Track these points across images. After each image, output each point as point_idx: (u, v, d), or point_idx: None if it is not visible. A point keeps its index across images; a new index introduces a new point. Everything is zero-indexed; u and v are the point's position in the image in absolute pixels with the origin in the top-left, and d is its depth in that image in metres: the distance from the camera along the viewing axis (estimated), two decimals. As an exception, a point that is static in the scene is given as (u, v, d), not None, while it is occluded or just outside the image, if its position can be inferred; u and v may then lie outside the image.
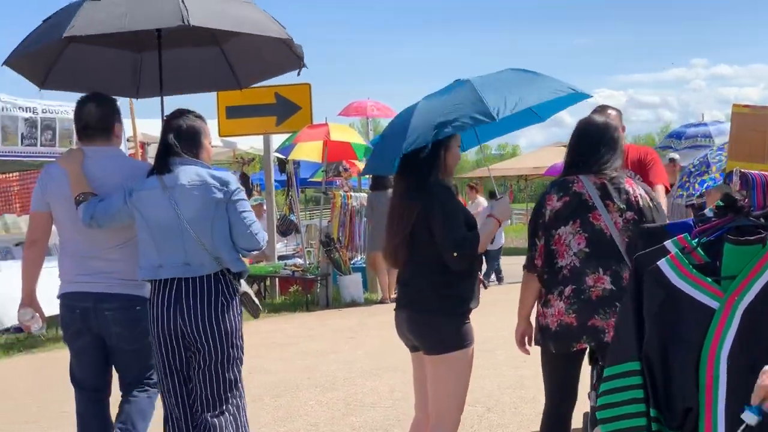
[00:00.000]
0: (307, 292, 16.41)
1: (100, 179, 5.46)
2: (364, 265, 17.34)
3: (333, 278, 16.51)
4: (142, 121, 15.34)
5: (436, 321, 5.05)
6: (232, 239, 5.30)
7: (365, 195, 18.57)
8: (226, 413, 5.32)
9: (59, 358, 11.87)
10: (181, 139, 5.35)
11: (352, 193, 18.33)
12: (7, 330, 13.52)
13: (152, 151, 16.65)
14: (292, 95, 15.75)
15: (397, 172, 5.24)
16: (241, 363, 5.42)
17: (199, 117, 5.51)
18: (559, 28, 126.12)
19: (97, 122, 5.57)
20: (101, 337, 5.53)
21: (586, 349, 5.06)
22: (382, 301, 16.27)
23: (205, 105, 44.23)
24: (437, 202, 5.01)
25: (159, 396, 5.57)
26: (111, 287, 5.45)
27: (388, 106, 22.38)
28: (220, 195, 5.25)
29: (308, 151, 17.53)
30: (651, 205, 5.07)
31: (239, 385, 5.41)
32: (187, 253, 5.21)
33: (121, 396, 5.64)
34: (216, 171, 5.44)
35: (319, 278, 16.27)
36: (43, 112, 12.49)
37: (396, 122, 5.47)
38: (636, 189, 5.11)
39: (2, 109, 12.11)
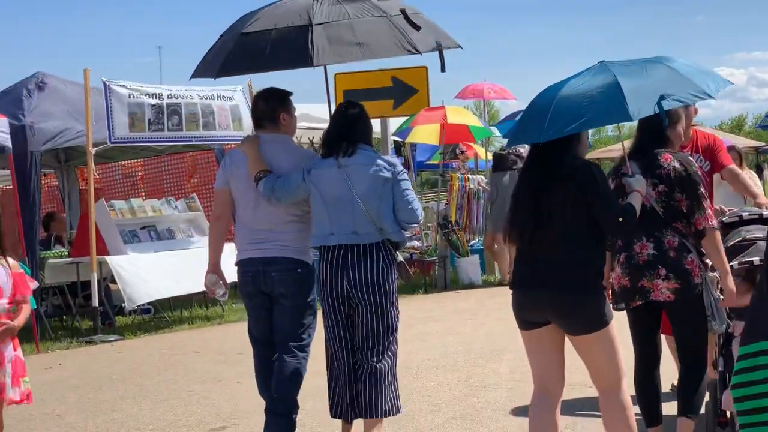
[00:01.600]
0: (426, 275, 16.48)
1: (271, 161, 6.34)
2: (481, 247, 17.32)
3: (451, 260, 16.54)
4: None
5: (592, 298, 5.21)
6: (395, 213, 6.22)
7: (482, 177, 18.54)
8: (385, 361, 6.23)
9: (184, 338, 12.19)
10: (354, 126, 6.31)
11: (470, 176, 18.30)
12: (134, 311, 13.91)
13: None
14: (409, 78, 15.68)
15: (538, 150, 5.30)
16: (398, 319, 6.34)
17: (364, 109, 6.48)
18: (679, 5, 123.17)
19: (264, 113, 6.49)
20: (269, 297, 6.41)
21: (644, 305, 5.75)
22: (500, 283, 16.24)
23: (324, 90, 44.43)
24: (597, 176, 5.21)
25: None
26: (276, 252, 6.34)
27: (504, 88, 22.26)
28: (388, 174, 6.19)
29: (425, 134, 17.56)
30: (684, 175, 5.68)
31: (395, 337, 6.32)
32: (356, 223, 6.14)
33: (275, 359, 6.41)
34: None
35: (437, 260, 16.33)
36: (168, 98, 12.74)
37: (548, 95, 5.35)
38: (672, 162, 5.73)
39: (129, 96, 12.38)
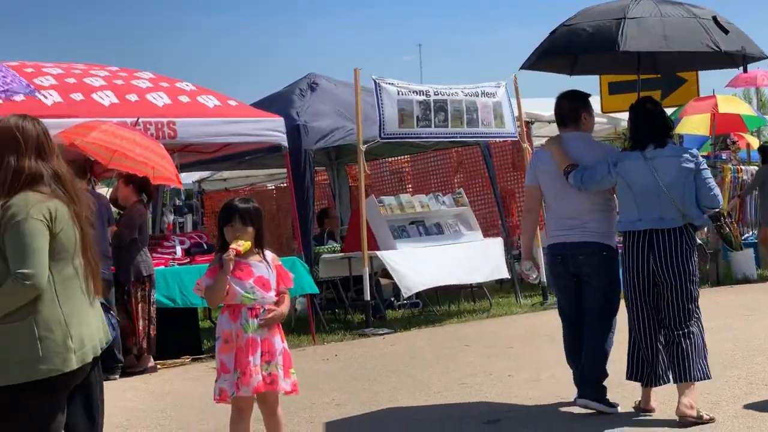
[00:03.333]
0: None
1: (575, 155, 7.17)
2: (755, 241, 16.64)
3: (723, 254, 15.98)
4: (527, 101, 15.57)
5: None
6: (698, 200, 6.91)
7: (756, 168, 17.81)
8: (690, 330, 6.91)
9: (453, 332, 12.33)
10: (660, 121, 7.03)
11: (742, 167, 17.62)
12: (403, 305, 14.19)
13: (536, 129, 16.85)
14: (678, 69, 15.33)
15: None
16: (698, 297, 7.02)
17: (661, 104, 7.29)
18: None
19: (567, 112, 7.40)
20: (576, 277, 7.30)
21: None
22: (774, 278, 15.61)
23: (586, 82, 44.14)
24: None
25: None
26: (584, 237, 7.21)
27: (780, 73, 21.25)
28: (691, 165, 6.91)
29: (695, 125, 17.05)
30: None
31: (698, 313, 7.02)
32: (662, 209, 6.85)
33: (586, 334, 7.31)
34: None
35: (708, 254, 15.81)
36: (435, 94, 12.96)
37: None
38: None
39: (398, 93, 12.67)
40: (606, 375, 7.25)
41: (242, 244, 5.79)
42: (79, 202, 4.56)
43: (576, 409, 7.31)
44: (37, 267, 4.28)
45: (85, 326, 4.45)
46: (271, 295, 5.90)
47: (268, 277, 5.91)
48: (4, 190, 4.44)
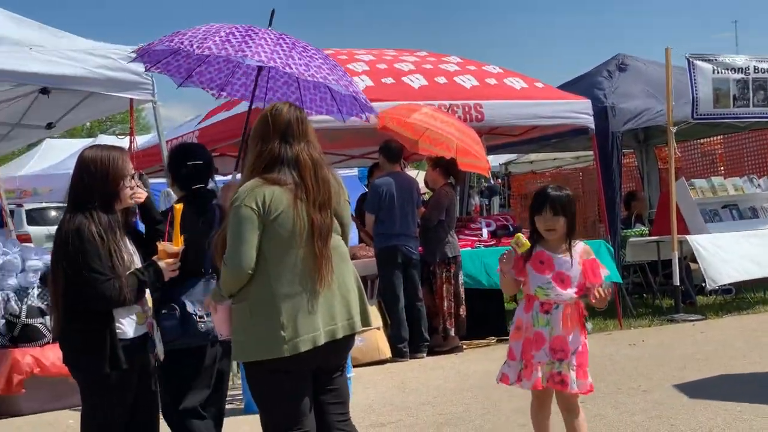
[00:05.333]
0: None
1: None
2: None
3: None
4: None
5: None
6: None
7: None
8: None
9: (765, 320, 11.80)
10: None
11: None
12: (714, 291, 13.72)
13: None
14: None
15: None
16: None
17: None
18: None
19: None
20: None
21: None
22: None
23: None
24: None
25: None
26: None
27: None
28: None
29: None
30: None
31: None
32: None
33: None
34: None
35: None
36: (755, 72, 12.45)
37: None
38: None
39: (713, 72, 12.28)
40: None
41: (522, 245, 5.46)
42: (316, 191, 4.53)
43: None
44: (237, 252, 4.41)
45: (303, 316, 4.45)
46: (569, 292, 5.49)
47: (569, 273, 5.50)
48: (249, 172, 4.60)
